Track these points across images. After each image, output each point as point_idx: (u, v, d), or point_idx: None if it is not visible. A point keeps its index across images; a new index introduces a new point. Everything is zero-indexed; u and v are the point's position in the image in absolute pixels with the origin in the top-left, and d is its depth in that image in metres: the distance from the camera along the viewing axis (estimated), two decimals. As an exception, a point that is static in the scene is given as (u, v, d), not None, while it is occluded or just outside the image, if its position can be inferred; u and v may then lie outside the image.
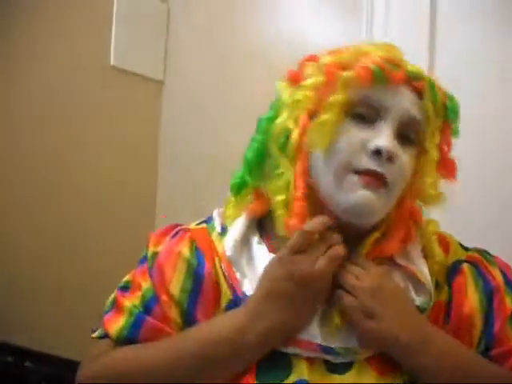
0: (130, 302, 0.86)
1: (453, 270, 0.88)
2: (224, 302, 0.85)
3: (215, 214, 0.93)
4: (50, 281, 1.64)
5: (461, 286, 0.86)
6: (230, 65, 1.98)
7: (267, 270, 0.82)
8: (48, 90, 1.68)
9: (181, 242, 0.89)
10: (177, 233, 0.91)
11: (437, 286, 0.86)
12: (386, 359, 0.81)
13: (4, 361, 1.34)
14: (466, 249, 0.92)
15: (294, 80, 0.86)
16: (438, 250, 0.87)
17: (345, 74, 0.81)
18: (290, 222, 0.82)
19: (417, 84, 0.83)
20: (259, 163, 0.88)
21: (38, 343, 1.42)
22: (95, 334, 0.89)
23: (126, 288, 0.89)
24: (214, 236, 0.90)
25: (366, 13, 1.79)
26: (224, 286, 0.85)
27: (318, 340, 0.81)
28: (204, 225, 0.92)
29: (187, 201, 1.98)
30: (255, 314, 0.80)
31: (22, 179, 1.61)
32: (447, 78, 1.56)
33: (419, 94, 0.84)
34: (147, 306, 0.86)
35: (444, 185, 0.88)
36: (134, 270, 0.91)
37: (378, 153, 0.79)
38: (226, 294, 0.85)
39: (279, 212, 0.84)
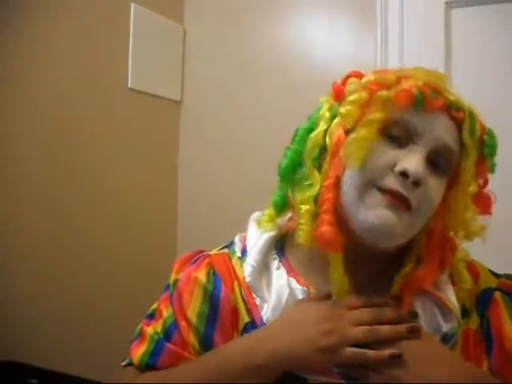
0: (153, 329, 0.89)
1: (484, 298, 0.86)
2: (241, 326, 0.85)
3: (237, 238, 0.94)
4: (58, 295, 1.64)
5: (498, 316, 0.84)
6: (247, 82, 1.98)
7: (300, 310, 0.82)
8: (67, 113, 1.69)
9: (199, 268, 0.90)
10: (197, 259, 0.92)
11: (465, 312, 0.85)
12: None
13: (11, 379, 1.35)
14: (497, 275, 0.90)
15: (337, 94, 0.85)
16: (466, 276, 0.86)
17: (385, 93, 0.80)
18: (320, 229, 0.80)
19: (456, 114, 0.81)
20: (292, 172, 0.88)
21: (43, 360, 1.42)
22: (123, 363, 0.91)
23: (151, 316, 0.92)
24: (234, 260, 0.91)
25: (380, 24, 1.78)
26: (242, 311, 0.86)
27: (338, 368, 0.80)
28: (226, 250, 0.93)
29: (206, 217, 1.99)
30: (267, 335, 0.80)
31: (34, 198, 1.61)
32: (463, 90, 1.55)
33: (458, 124, 0.82)
34: (167, 333, 0.88)
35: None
36: (160, 298, 0.93)
37: (405, 175, 0.78)
38: (244, 318, 0.86)
39: (302, 221, 0.83)
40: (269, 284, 0.87)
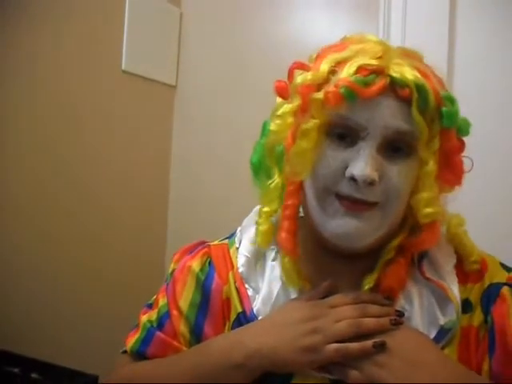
0: (148, 317, 0.90)
1: (490, 293, 0.82)
2: (233, 316, 0.85)
3: (239, 229, 0.92)
4: (48, 288, 1.61)
5: (503, 313, 0.80)
6: (244, 69, 1.94)
7: (285, 310, 0.80)
8: (58, 94, 1.65)
9: (194, 257, 0.90)
10: (196, 249, 0.92)
11: (469, 307, 0.81)
12: None
13: (9, 372, 1.31)
14: (509, 270, 0.85)
15: (281, 93, 0.83)
16: (470, 245, 0.83)
17: (316, 95, 0.76)
18: (279, 235, 0.82)
19: (401, 92, 0.75)
20: (263, 168, 0.86)
21: (43, 353, 1.39)
22: (121, 350, 0.93)
23: (150, 305, 0.93)
24: (232, 251, 0.90)
25: (382, 14, 1.74)
26: (235, 301, 0.85)
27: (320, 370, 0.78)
28: (226, 241, 0.93)
29: (198, 205, 1.95)
30: (250, 334, 0.79)
31: (28, 181, 1.58)
32: (467, 76, 1.51)
33: (408, 102, 0.76)
34: (160, 322, 0.88)
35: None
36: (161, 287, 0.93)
37: (355, 179, 0.75)
38: (237, 308, 0.84)
39: (260, 221, 0.85)
40: (263, 275, 0.85)
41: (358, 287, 0.82)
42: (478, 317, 0.81)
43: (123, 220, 1.84)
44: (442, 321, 0.79)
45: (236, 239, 0.91)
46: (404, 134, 0.76)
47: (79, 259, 1.68)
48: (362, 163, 0.74)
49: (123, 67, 1.83)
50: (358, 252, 0.80)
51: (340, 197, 0.76)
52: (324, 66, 0.78)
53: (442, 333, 0.79)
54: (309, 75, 0.79)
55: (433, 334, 0.79)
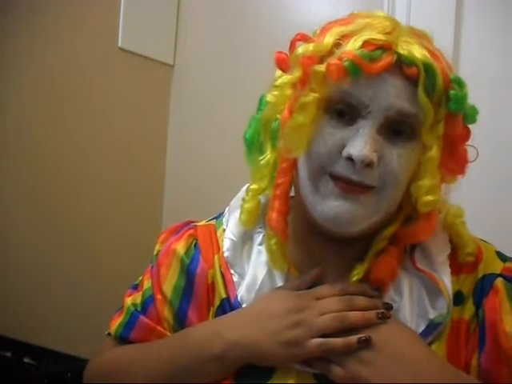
0: (132, 300, 0.87)
1: (483, 285, 0.78)
2: (218, 302, 0.82)
3: (227, 208, 0.89)
4: (49, 274, 1.60)
5: (495, 307, 0.76)
6: (242, 48, 1.90)
7: (268, 300, 0.77)
8: (53, 72, 1.61)
9: (180, 239, 0.86)
10: (182, 230, 0.88)
11: (461, 299, 0.78)
12: None
13: (1, 356, 1.29)
14: (505, 259, 0.81)
15: (281, 65, 0.79)
16: (467, 237, 0.79)
17: (318, 68, 0.72)
18: (270, 215, 0.79)
19: (408, 70, 0.71)
20: (257, 144, 0.83)
21: (37, 338, 1.37)
22: (106, 332, 0.90)
23: (135, 287, 0.90)
24: (219, 232, 0.86)
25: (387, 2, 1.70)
26: (220, 286, 0.82)
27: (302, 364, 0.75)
28: (213, 221, 0.89)
29: (196, 183, 1.93)
30: (230, 324, 0.76)
31: (25, 163, 1.55)
32: (473, 65, 1.47)
33: (414, 82, 0.72)
34: (144, 305, 0.86)
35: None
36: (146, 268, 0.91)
37: (352, 160, 0.71)
38: (221, 294, 0.82)
39: (246, 198, 0.82)
40: (249, 259, 0.82)
41: (347, 275, 0.78)
42: (469, 309, 0.77)
43: (120, 201, 1.81)
44: (431, 314, 0.76)
45: (224, 220, 0.87)
46: (408, 115, 0.72)
47: (74, 243, 1.66)
48: (360, 143, 0.70)
49: (120, 44, 1.79)
50: (349, 237, 0.77)
51: (335, 177, 0.73)
52: (328, 39, 0.74)
53: (431, 327, 0.76)
54: (311, 46, 0.75)
55: (421, 328, 0.76)
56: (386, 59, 0.71)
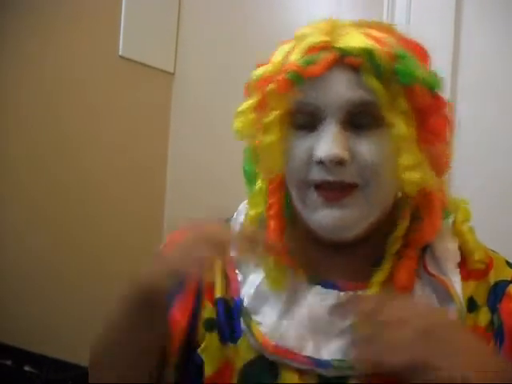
0: None
1: (496, 292, 0.77)
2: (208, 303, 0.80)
3: (236, 212, 0.87)
4: (50, 282, 1.59)
5: (511, 313, 0.75)
6: (245, 55, 1.90)
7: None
8: (53, 79, 1.62)
9: (183, 234, 0.83)
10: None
11: (473, 306, 0.77)
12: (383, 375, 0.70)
13: (1, 364, 1.28)
14: None
15: (245, 92, 0.81)
16: (473, 243, 0.78)
17: (271, 86, 0.74)
18: (269, 235, 0.79)
19: (349, 61, 0.72)
20: (252, 174, 0.84)
21: (37, 345, 1.36)
22: None
23: None
24: None
25: (387, 3, 1.71)
26: (218, 285, 0.80)
27: (309, 352, 0.74)
28: (225, 222, 0.88)
29: (197, 190, 1.92)
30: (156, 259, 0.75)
31: (25, 173, 1.56)
32: (473, 66, 1.47)
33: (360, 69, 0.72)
34: None
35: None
36: None
37: (322, 162, 0.72)
38: (216, 293, 0.80)
39: (245, 224, 0.82)
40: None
41: (358, 279, 0.77)
42: (484, 316, 0.76)
43: (122, 209, 1.81)
44: None
45: (233, 223, 0.86)
46: (365, 103, 0.72)
47: (75, 250, 1.66)
48: (325, 144, 0.71)
49: (120, 52, 1.79)
50: (352, 241, 0.76)
51: (317, 186, 0.73)
52: (277, 57, 0.77)
53: None
54: (264, 68, 0.77)
55: None
56: (326, 58, 0.72)
